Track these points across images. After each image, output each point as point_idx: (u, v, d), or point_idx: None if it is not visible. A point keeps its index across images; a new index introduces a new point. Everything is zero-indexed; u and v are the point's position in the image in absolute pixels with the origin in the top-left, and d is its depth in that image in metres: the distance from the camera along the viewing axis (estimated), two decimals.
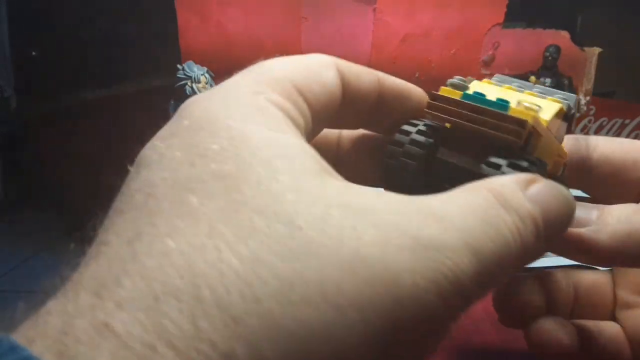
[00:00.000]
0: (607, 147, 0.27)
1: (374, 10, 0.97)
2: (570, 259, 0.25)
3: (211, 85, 0.88)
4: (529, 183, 0.19)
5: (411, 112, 0.24)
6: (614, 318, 0.30)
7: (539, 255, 0.20)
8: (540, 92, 0.25)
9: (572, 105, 0.24)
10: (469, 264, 0.15)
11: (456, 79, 0.25)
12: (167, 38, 0.93)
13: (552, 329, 0.26)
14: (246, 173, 0.15)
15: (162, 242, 0.14)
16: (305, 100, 0.19)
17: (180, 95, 0.86)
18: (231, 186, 0.15)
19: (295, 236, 0.14)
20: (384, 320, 0.14)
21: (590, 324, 0.29)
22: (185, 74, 0.87)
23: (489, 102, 0.22)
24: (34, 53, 0.92)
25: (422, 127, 0.23)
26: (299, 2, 0.96)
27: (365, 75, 0.22)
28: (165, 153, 0.16)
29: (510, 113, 0.21)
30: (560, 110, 0.24)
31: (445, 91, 0.23)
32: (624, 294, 0.30)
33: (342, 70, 0.21)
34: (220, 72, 0.90)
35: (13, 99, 0.94)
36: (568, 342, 0.25)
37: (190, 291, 0.13)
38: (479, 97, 0.23)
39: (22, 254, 0.96)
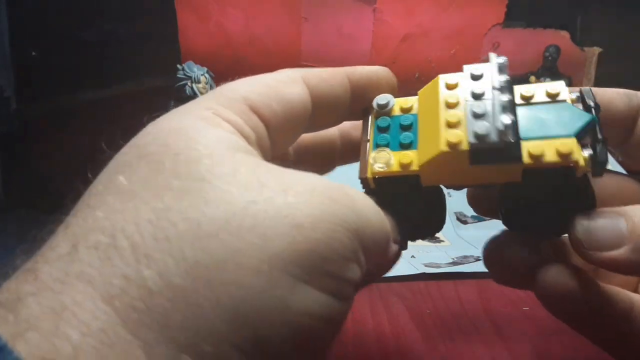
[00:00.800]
0: None
1: (374, 10, 0.97)
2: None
3: (211, 86, 0.88)
4: None
5: (382, 92, 0.27)
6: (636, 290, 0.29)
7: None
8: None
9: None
10: (365, 221, 0.19)
11: (381, 98, 0.27)
12: (167, 38, 0.93)
13: (559, 274, 0.24)
14: (167, 149, 0.18)
15: (92, 215, 0.16)
16: (260, 116, 0.21)
17: (180, 95, 0.86)
18: (153, 161, 0.17)
19: (205, 189, 0.16)
20: (282, 244, 0.16)
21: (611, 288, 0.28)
22: (185, 74, 0.86)
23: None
24: (34, 53, 0.92)
25: None
26: (299, 2, 0.96)
27: (334, 78, 0.24)
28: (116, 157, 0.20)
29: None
30: None
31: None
32: None
33: (309, 82, 0.23)
34: (220, 72, 0.90)
35: (13, 99, 0.94)
36: (577, 288, 0.23)
37: (108, 242, 0.15)
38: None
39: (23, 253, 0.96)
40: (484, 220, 0.70)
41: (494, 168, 0.23)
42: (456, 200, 0.77)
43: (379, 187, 0.26)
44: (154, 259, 0.15)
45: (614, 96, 0.27)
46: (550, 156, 0.22)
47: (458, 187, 0.26)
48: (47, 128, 0.94)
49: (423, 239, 0.25)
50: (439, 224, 0.28)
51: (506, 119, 0.22)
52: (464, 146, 0.22)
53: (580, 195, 0.23)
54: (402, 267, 0.54)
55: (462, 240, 0.68)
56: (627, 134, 0.28)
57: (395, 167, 0.25)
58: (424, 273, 0.54)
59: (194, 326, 0.14)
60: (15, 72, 0.92)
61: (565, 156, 0.22)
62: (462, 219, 0.74)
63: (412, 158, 0.25)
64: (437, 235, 0.71)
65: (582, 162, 0.22)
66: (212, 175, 0.17)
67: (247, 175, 0.17)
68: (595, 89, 0.25)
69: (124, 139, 0.21)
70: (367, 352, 0.38)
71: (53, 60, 0.93)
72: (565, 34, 0.96)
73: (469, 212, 0.73)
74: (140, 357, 0.14)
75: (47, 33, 0.92)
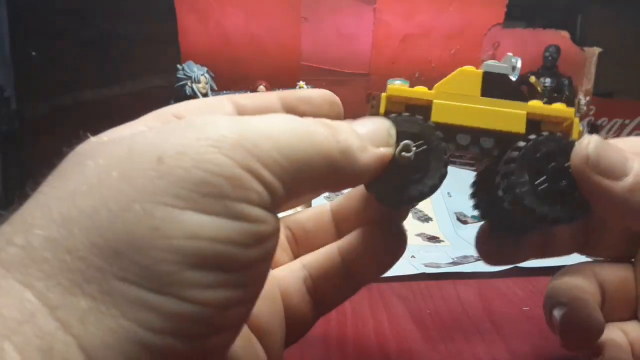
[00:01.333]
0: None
1: (374, 10, 0.97)
2: (597, 209, 0.24)
3: (211, 86, 0.88)
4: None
5: (322, 109, 0.28)
6: (637, 318, 0.29)
7: (371, 157, 0.22)
8: None
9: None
10: (266, 139, 0.18)
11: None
12: (167, 38, 0.93)
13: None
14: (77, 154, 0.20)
15: (45, 192, 0.18)
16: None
17: (180, 95, 0.86)
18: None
19: (82, 163, 0.18)
20: (146, 181, 0.17)
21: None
22: (185, 74, 0.86)
23: None
24: (34, 53, 0.92)
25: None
26: (299, 2, 0.96)
27: (262, 98, 0.26)
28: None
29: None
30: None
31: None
32: None
33: (236, 101, 0.25)
34: (220, 72, 0.90)
35: (13, 99, 0.94)
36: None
37: (14, 228, 0.17)
38: None
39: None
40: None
41: (502, 105, 0.25)
42: (456, 200, 0.77)
43: (387, 117, 0.25)
44: (37, 225, 0.17)
45: None
46: (552, 109, 0.25)
47: (463, 147, 0.26)
48: (47, 128, 0.94)
49: (415, 199, 0.24)
50: (435, 184, 0.25)
51: (518, 60, 0.25)
52: (480, 69, 0.25)
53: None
54: (402, 267, 0.54)
55: (462, 240, 0.68)
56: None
57: (410, 92, 0.26)
58: (424, 273, 0.54)
59: (78, 270, 0.16)
60: (16, 72, 0.92)
61: (565, 111, 0.25)
62: (462, 219, 0.74)
63: (429, 93, 0.26)
64: (437, 235, 0.71)
65: (577, 123, 0.25)
66: (96, 153, 0.19)
67: (129, 139, 0.19)
68: None
69: None
70: (367, 352, 0.38)
71: (53, 60, 0.93)
72: (565, 34, 0.97)
73: (469, 212, 0.73)
74: (33, 302, 0.15)
75: (47, 33, 0.91)
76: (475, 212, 0.30)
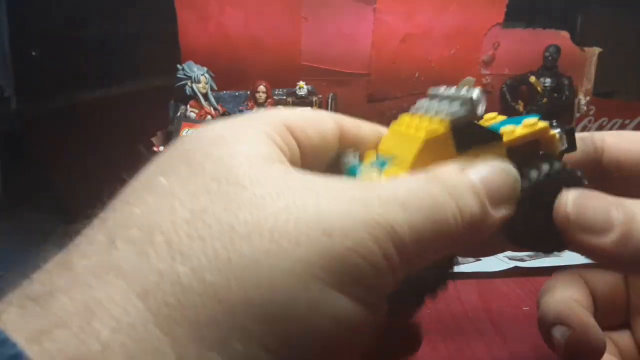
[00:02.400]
0: (616, 145, 0.26)
1: (374, 10, 0.97)
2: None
3: (211, 86, 0.88)
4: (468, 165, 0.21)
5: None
6: (627, 325, 0.29)
7: (492, 224, 0.20)
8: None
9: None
10: (403, 221, 0.17)
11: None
12: (167, 38, 0.93)
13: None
14: (209, 154, 0.18)
15: (129, 211, 0.17)
16: (296, 137, 0.22)
17: (180, 95, 0.86)
18: (194, 164, 0.18)
19: (240, 193, 0.17)
20: (313, 250, 0.16)
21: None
22: (185, 74, 0.86)
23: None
24: (34, 53, 0.92)
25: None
26: (299, 2, 0.96)
27: (363, 126, 0.26)
28: (156, 158, 0.20)
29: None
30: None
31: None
32: (638, 298, 0.29)
33: (341, 121, 0.24)
34: (221, 72, 0.90)
35: (13, 99, 0.94)
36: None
37: (145, 237, 0.15)
38: None
39: (22, 253, 0.96)
40: None
41: (480, 150, 0.22)
42: None
43: None
44: (187, 256, 0.15)
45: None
46: (525, 130, 0.24)
47: None
48: (47, 128, 0.94)
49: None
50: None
51: (475, 92, 0.22)
52: (444, 128, 0.22)
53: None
54: None
55: None
56: (598, 179, 0.26)
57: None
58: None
59: (225, 324, 0.14)
60: (16, 72, 0.92)
61: (539, 129, 0.24)
62: None
63: (398, 170, 0.23)
64: None
65: (555, 135, 0.24)
66: (248, 181, 0.17)
67: (280, 182, 0.18)
68: None
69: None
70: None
71: (53, 60, 0.93)
72: (565, 34, 0.96)
73: None
74: (169, 354, 0.14)
75: (47, 33, 0.91)
76: None
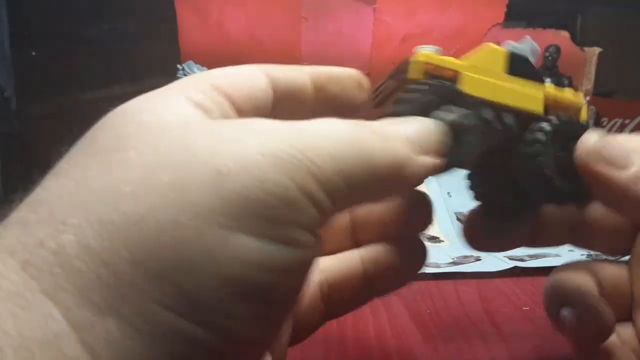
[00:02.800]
0: None
1: (374, 10, 0.97)
2: (599, 198, 0.25)
3: None
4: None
5: (350, 91, 0.26)
6: (630, 318, 0.29)
7: (420, 168, 0.20)
8: None
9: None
10: (326, 155, 0.17)
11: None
12: (167, 38, 0.93)
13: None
14: (106, 126, 0.19)
15: (28, 198, 0.17)
16: (223, 93, 0.21)
17: None
18: (90, 139, 0.18)
19: (127, 156, 0.16)
20: (202, 194, 0.15)
21: None
22: (185, 74, 0.86)
23: None
24: (34, 53, 0.92)
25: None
26: (299, 2, 0.96)
27: (293, 71, 0.24)
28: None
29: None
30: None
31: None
32: None
33: (270, 71, 0.23)
34: None
35: (13, 99, 0.94)
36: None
37: (31, 216, 0.16)
38: None
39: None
40: None
41: (524, 85, 0.26)
42: (456, 200, 0.77)
43: (415, 89, 0.25)
44: (70, 224, 0.15)
45: None
46: (565, 96, 0.27)
47: (484, 117, 0.25)
48: (47, 128, 0.94)
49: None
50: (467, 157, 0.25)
51: (536, 45, 0.28)
52: (506, 50, 0.28)
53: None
54: None
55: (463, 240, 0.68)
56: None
57: (442, 62, 0.27)
58: (424, 273, 0.54)
59: (113, 286, 0.14)
60: (16, 72, 0.92)
61: (576, 98, 0.27)
62: (462, 219, 0.74)
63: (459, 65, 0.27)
64: (437, 235, 0.71)
65: (586, 109, 0.27)
66: (137, 142, 0.17)
67: (174, 135, 0.17)
68: None
69: None
70: (367, 352, 0.38)
71: (53, 60, 0.93)
72: (565, 34, 0.96)
73: None
74: (60, 321, 0.14)
75: (48, 33, 0.91)
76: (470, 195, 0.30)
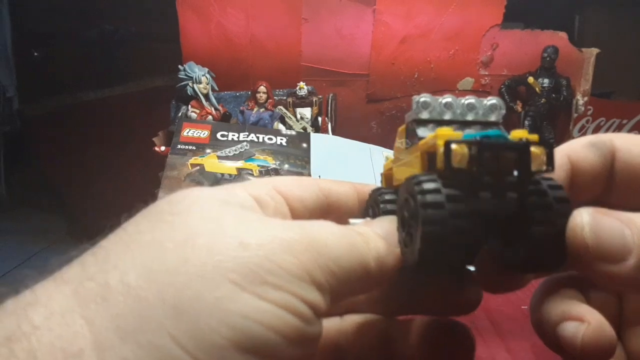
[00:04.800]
0: (628, 150, 0.25)
1: (374, 11, 0.98)
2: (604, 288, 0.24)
3: (212, 86, 0.88)
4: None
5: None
6: (618, 336, 0.29)
7: (394, 260, 0.23)
8: None
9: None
10: (327, 249, 0.20)
11: None
12: (168, 39, 0.93)
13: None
14: (167, 204, 0.21)
15: (131, 233, 0.20)
16: (280, 192, 0.25)
17: (181, 95, 0.86)
18: (151, 213, 0.21)
19: (176, 220, 0.20)
20: (226, 256, 0.18)
21: None
22: (186, 75, 0.87)
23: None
24: (36, 54, 0.93)
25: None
26: (299, 4, 0.96)
27: (342, 186, 0.28)
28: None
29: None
30: None
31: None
32: (631, 310, 0.28)
33: (320, 183, 0.27)
34: (221, 72, 0.90)
35: (15, 99, 0.94)
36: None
37: (91, 259, 0.19)
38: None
39: (25, 252, 0.97)
40: None
41: (412, 152, 0.24)
42: None
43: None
44: (119, 268, 0.18)
45: (583, 153, 0.25)
46: (424, 142, 0.22)
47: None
48: (49, 128, 0.94)
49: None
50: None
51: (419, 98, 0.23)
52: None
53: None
54: None
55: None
56: (607, 186, 0.25)
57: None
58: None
59: (139, 317, 0.17)
60: (18, 72, 0.93)
61: (429, 140, 0.21)
62: None
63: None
64: None
65: (439, 149, 0.20)
66: (188, 210, 0.20)
67: (219, 215, 0.20)
68: (559, 148, 0.24)
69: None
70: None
71: (55, 60, 0.93)
72: (563, 35, 0.97)
73: None
74: (87, 337, 0.17)
75: (49, 34, 0.92)
76: None
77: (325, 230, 0.21)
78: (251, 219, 0.21)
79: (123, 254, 0.19)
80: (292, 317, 0.19)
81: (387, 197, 0.26)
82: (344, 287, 0.21)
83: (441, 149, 0.20)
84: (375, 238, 0.23)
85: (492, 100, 0.24)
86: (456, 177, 0.20)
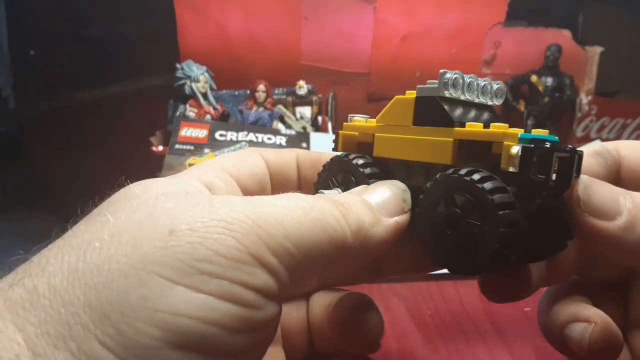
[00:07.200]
0: (635, 160, 0.26)
1: (374, 9, 0.97)
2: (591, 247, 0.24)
3: (210, 85, 0.87)
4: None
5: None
6: (624, 338, 0.28)
7: (386, 230, 0.22)
8: None
9: None
10: (279, 226, 0.19)
11: None
12: (166, 37, 0.92)
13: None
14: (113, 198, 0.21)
15: (66, 237, 0.19)
16: (230, 173, 0.25)
17: (179, 94, 0.86)
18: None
19: (106, 218, 0.19)
20: (152, 248, 0.17)
21: None
22: (184, 73, 0.86)
23: None
24: (32, 53, 0.92)
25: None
26: (299, 2, 0.96)
27: (284, 152, 0.28)
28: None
29: None
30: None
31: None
32: (636, 312, 0.28)
33: (264, 154, 0.28)
34: (220, 71, 0.89)
35: (11, 99, 0.94)
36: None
37: (25, 266, 0.18)
38: None
39: (21, 252, 0.96)
40: None
41: (431, 133, 0.23)
42: None
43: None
44: (47, 271, 0.17)
45: (588, 162, 0.26)
46: (481, 133, 0.22)
47: (398, 172, 0.25)
48: (45, 127, 0.94)
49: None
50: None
51: (450, 74, 0.23)
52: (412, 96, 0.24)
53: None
54: None
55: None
56: None
57: (357, 129, 0.27)
58: (425, 273, 0.54)
59: (67, 323, 0.16)
60: (14, 71, 0.92)
61: (495, 135, 0.21)
62: None
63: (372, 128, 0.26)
64: None
65: (512, 149, 0.21)
66: (121, 206, 0.20)
67: (151, 206, 0.19)
68: None
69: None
70: None
71: (51, 59, 0.93)
72: (566, 33, 0.96)
73: None
74: (22, 346, 0.16)
75: (46, 33, 0.91)
76: None
77: (282, 206, 0.19)
78: (192, 203, 0.19)
79: (53, 257, 0.18)
80: (232, 306, 0.17)
81: (367, 162, 0.25)
82: (309, 265, 0.19)
83: (514, 151, 0.20)
84: (358, 208, 0.21)
85: (497, 85, 0.25)
86: (505, 177, 0.21)
